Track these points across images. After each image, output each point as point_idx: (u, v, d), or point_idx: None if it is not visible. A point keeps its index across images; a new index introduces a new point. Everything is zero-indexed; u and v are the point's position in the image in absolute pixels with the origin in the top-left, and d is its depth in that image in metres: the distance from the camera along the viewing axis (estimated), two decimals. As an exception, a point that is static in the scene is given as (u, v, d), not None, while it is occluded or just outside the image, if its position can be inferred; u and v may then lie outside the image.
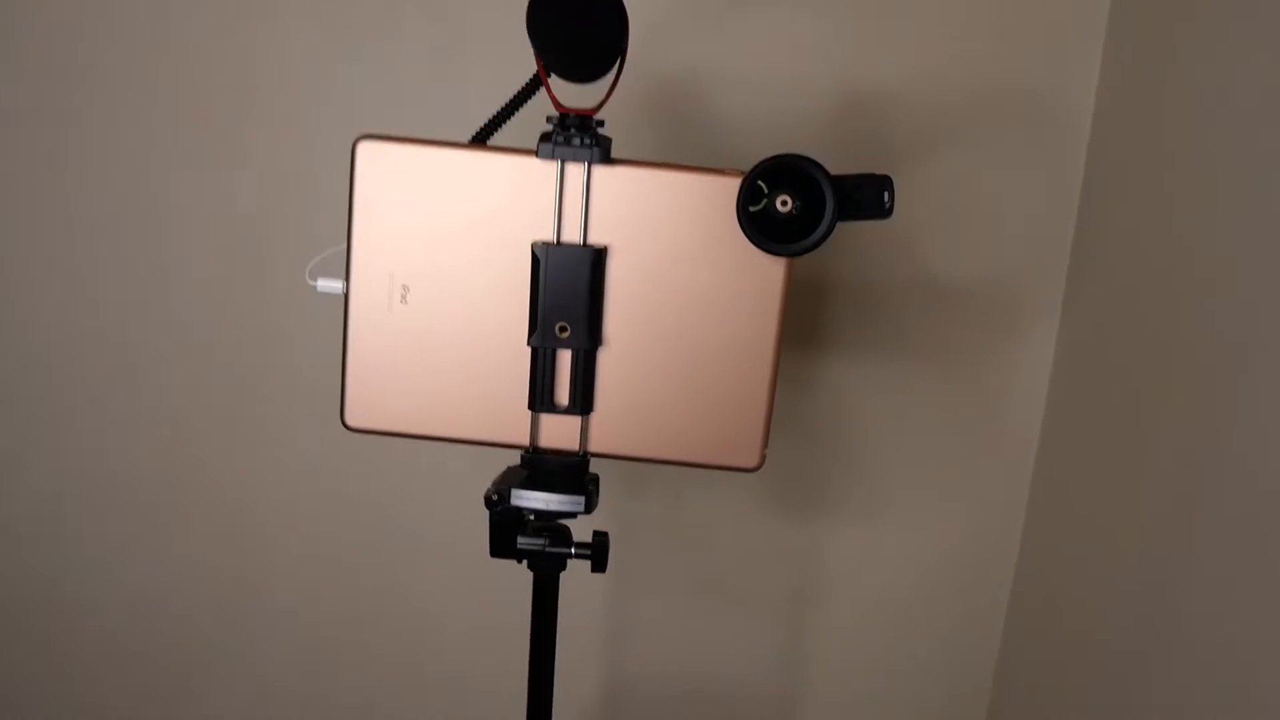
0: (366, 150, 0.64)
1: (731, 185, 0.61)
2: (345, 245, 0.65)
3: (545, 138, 0.62)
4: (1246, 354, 0.72)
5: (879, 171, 0.62)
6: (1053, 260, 1.03)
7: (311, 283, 0.67)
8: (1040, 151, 1.01)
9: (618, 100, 0.99)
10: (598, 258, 0.63)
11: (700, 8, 0.99)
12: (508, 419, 0.66)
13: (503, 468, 0.68)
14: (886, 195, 0.62)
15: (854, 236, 1.03)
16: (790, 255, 0.60)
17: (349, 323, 0.66)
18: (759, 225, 0.60)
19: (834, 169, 1.00)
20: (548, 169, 0.63)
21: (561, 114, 0.62)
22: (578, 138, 0.62)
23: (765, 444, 0.66)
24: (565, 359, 0.65)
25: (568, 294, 0.63)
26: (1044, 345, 1.05)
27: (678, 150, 1.02)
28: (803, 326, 1.06)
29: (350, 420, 0.67)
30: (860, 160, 1.01)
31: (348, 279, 0.65)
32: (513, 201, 0.63)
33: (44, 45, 1.02)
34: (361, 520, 1.12)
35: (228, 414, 1.10)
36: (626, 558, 1.12)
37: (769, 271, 0.63)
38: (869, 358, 1.06)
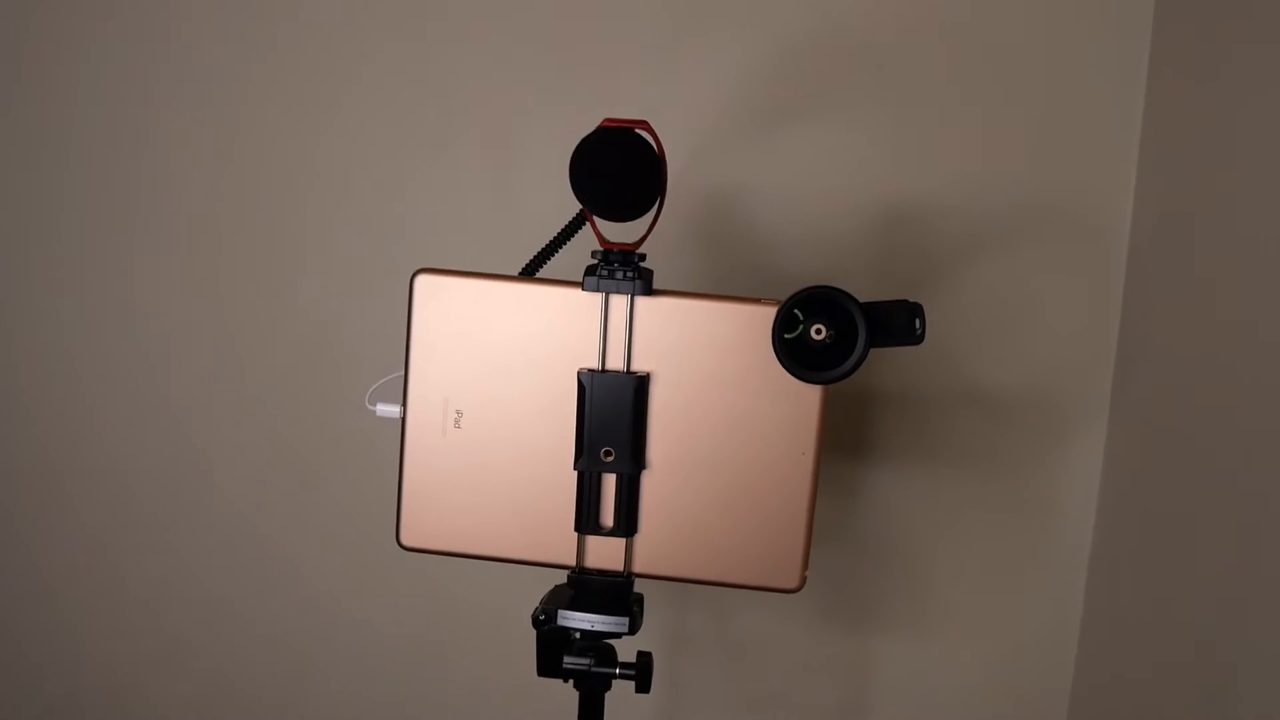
0: (424, 283, 0.68)
1: (768, 314, 0.64)
2: (403, 372, 0.69)
3: (590, 271, 0.66)
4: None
5: (912, 298, 0.65)
6: (1098, 366, 1.03)
7: (371, 408, 0.70)
8: (1081, 258, 1.02)
9: (664, 221, 1.04)
10: (640, 385, 0.66)
11: (742, 128, 1.03)
12: (555, 540, 0.68)
13: (549, 588, 0.70)
14: (918, 322, 0.64)
15: (900, 348, 1.05)
16: (822, 383, 0.63)
17: (405, 446, 0.69)
18: (794, 353, 0.63)
19: (877, 282, 1.04)
20: (593, 300, 0.66)
21: (605, 249, 0.65)
22: (620, 271, 0.65)
23: (805, 565, 0.67)
24: (610, 482, 0.67)
25: (612, 419, 0.66)
26: (1093, 451, 1.05)
27: (722, 268, 1.05)
28: (850, 437, 1.07)
29: (405, 540, 0.70)
30: (902, 271, 1.04)
31: (405, 404, 0.69)
32: (560, 331, 0.67)
33: (113, 150, 1.10)
34: (411, 647, 1.14)
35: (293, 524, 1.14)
36: (676, 673, 1.12)
37: (806, 397, 0.66)
38: (917, 468, 1.07)
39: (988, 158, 1.01)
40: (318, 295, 1.09)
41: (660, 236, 1.05)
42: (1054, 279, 1.03)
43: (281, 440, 1.12)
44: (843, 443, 1.07)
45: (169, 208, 1.10)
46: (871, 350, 0.63)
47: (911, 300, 0.65)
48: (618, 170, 0.60)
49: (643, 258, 0.66)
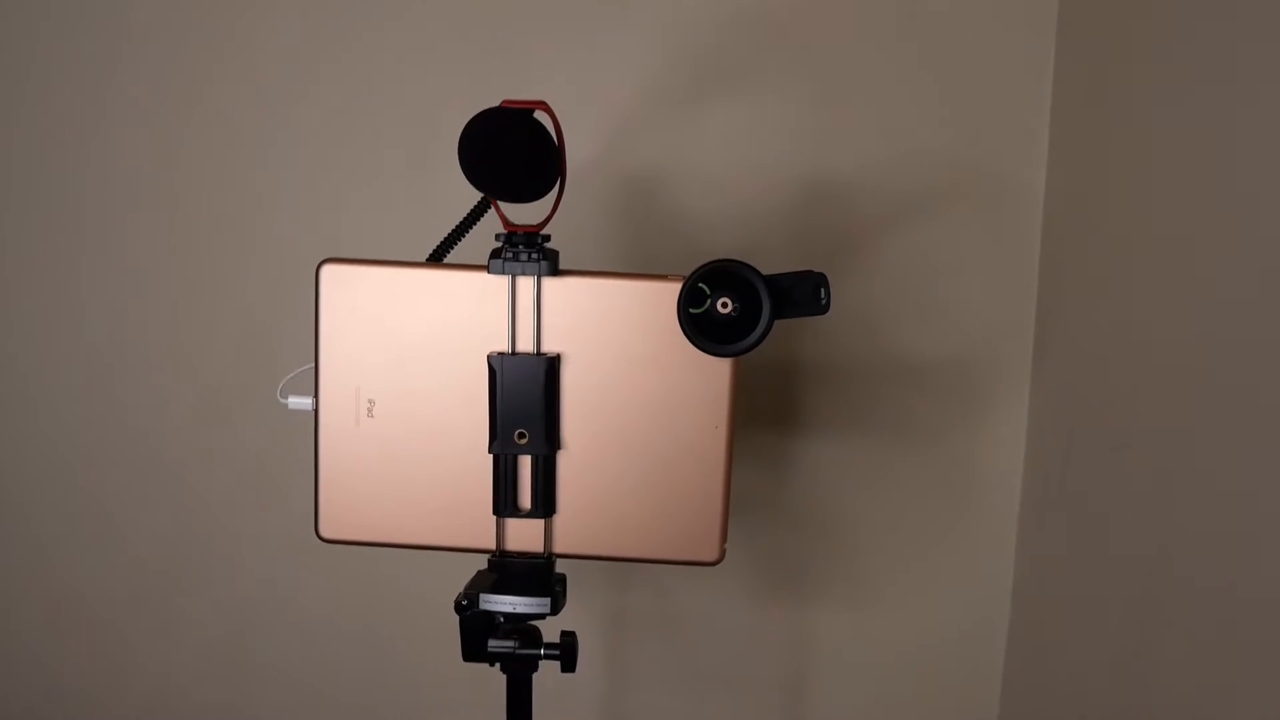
0: (330, 273, 0.67)
1: (675, 290, 0.64)
2: (313, 364, 0.68)
3: (495, 254, 0.65)
4: (1204, 421, 0.74)
5: (833, 271, 0.66)
6: (1018, 333, 1.05)
7: (283, 401, 0.69)
8: (997, 226, 1.04)
9: (586, 201, 1.04)
10: (551, 366, 0.66)
11: (664, 107, 1.04)
12: (474, 525, 0.68)
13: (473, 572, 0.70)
14: (823, 291, 0.65)
15: (823, 320, 1.06)
16: (729, 355, 0.63)
17: (319, 438, 0.69)
18: (700, 327, 0.63)
19: (798, 257, 1.04)
20: (500, 283, 0.66)
21: (509, 231, 0.65)
22: (525, 253, 0.65)
23: (724, 538, 0.68)
24: (526, 464, 0.67)
25: (524, 402, 0.66)
26: (1017, 418, 1.07)
27: (648, 248, 1.06)
28: (777, 409, 1.08)
29: (324, 532, 0.69)
30: (822, 245, 1.05)
31: (316, 396, 0.68)
32: (469, 315, 0.67)
33: (57, 151, 1.08)
34: (345, 636, 1.14)
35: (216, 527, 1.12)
36: (617, 652, 1.13)
37: (716, 371, 0.66)
38: (845, 439, 1.08)
39: (903, 131, 1.03)
40: (256, 288, 1.08)
41: (585, 219, 1.05)
42: (972, 248, 1.04)
43: (222, 433, 1.11)
44: (770, 415, 1.08)
45: (60, 202, 1.08)
46: (779, 321, 0.64)
47: (816, 270, 0.65)
48: (504, 151, 0.60)
49: (547, 238, 0.66)
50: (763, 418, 1.08)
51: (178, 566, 1.14)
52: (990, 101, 1.02)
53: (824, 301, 0.65)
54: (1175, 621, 0.77)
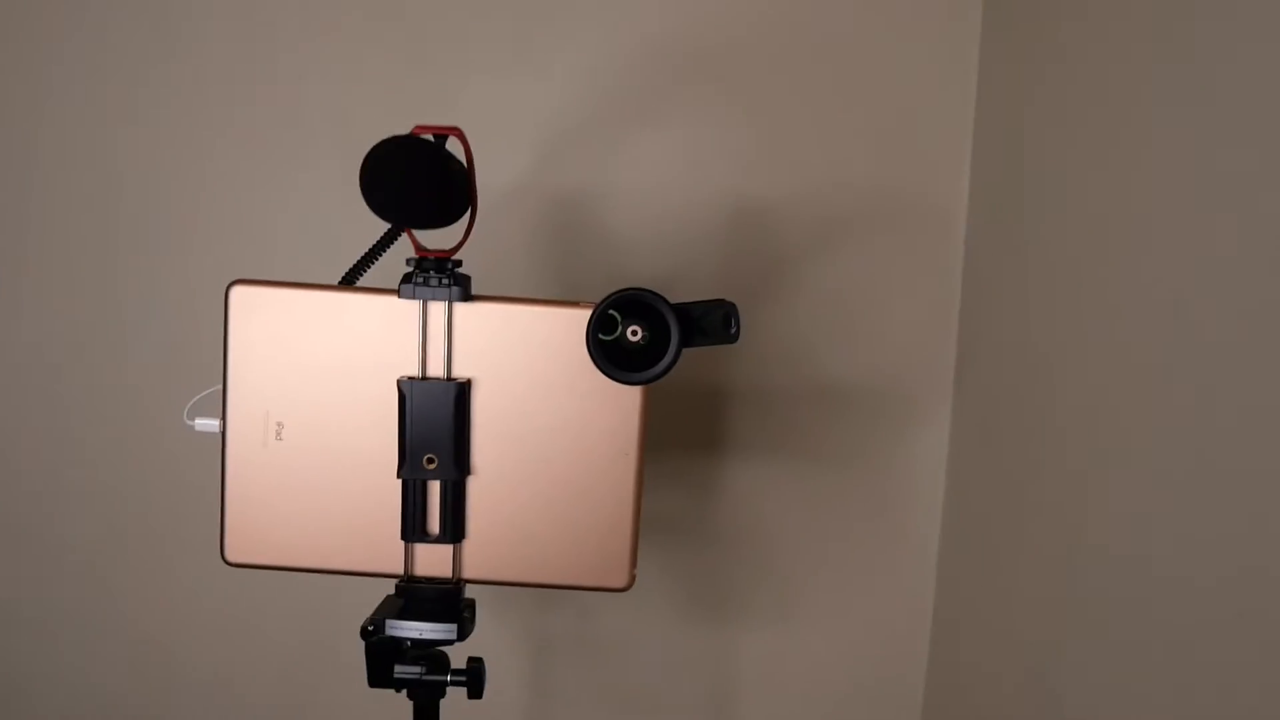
0: (239, 294, 0.66)
1: (586, 317, 0.64)
2: (221, 385, 0.67)
3: (407, 279, 0.65)
4: (1120, 446, 0.76)
5: (757, 295, 0.67)
6: (940, 358, 1.07)
7: (190, 422, 0.69)
8: (920, 251, 1.06)
9: (513, 224, 1.04)
10: (461, 391, 0.66)
11: (592, 131, 1.04)
12: (383, 550, 0.68)
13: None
14: (732, 321, 0.65)
15: (749, 344, 1.07)
16: (635, 384, 0.64)
17: (226, 460, 0.68)
18: (609, 354, 0.63)
19: (723, 280, 1.05)
20: (411, 308, 0.66)
21: (420, 256, 0.65)
22: (436, 278, 0.65)
23: (634, 564, 0.68)
24: (435, 489, 0.67)
25: (434, 427, 0.66)
26: (938, 442, 1.09)
27: (574, 271, 1.06)
28: (704, 433, 1.09)
29: (230, 556, 0.69)
30: (747, 269, 1.06)
31: (224, 418, 0.67)
32: (379, 339, 0.66)
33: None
34: (260, 650, 1.12)
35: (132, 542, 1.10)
36: (542, 676, 1.12)
37: (626, 398, 0.66)
38: (770, 462, 1.09)
39: (827, 155, 1.04)
40: (175, 303, 1.06)
41: (512, 242, 1.05)
42: (895, 273, 1.06)
43: (141, 451, 1.09)
44: (695, 437, 1.09)
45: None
46: (690, 349, 0.65)
47: (727, 300, 0.66)
48: (400, 179, 0.60)
49: (458, 264, 0.66)
50: (687, 440, 1.09)
51: (103, 571, 1.12)
52: (913, 129, 1.04)
53: (734, 331, 0.65)
54: (1088, 642, 0.78)
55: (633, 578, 0.68)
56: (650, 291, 0.63)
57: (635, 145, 1.04)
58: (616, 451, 0.67)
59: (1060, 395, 0.85)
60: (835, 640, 1.13)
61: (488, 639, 1.07)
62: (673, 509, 1.09)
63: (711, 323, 0.65)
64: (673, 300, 0.64)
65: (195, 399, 0.69)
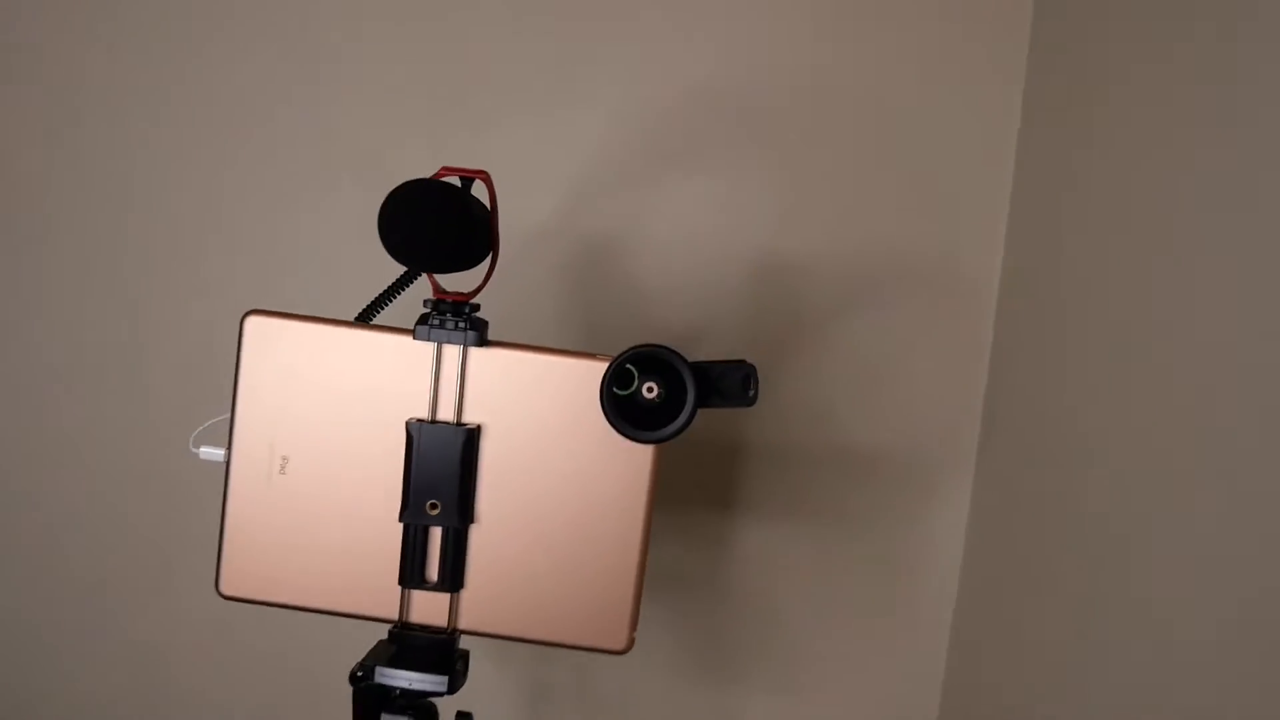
0: (254, 325, 0.66)
1: (602, 370, 0.63)
2: (229, 415, 0.66)
3: (423, 320, 0.64)
4: (1147, 524, 0.74)
5: (782, 351, 0.65)
6: (965, 424, 1.05)
7: (195, 450, 0.68)
8: (950, 315, 1.04)
9: (538, 268, 1.03)
10: (470, 437, 0.65)
11: (624, 178, 1.04)
12: (379, 593, 0.66)
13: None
14: (750, 383, 0.64)
15: (770, 400, 1.05)
16: (648, 442, 0.62)
17: (229, 491, 0.67)
18: (623, 410, 0.62)
19: (748, 334, 1.04)
20: (425, 350, 0.65)
21: (437, 298, 0.64)
22: (453, 321, 0.64)
23: (634, 626, 0.66)
24: (437, 536, 0.66)
25: (439, 472, 0.64)
26: (958, 510, 1.06)
27: (598, 318, 1.05)
28: (719, 489, 1.07)
29: (225, 589, 0.67)
30: (773, 324, 1.05)
31: (229, 448, 0.67)
32: (391, 379, 0.65)
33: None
34: (251, 681, 1.11)
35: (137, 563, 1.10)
36: (535, 724, 1.10)
37: (638, 455, 0.65)
38: (785, 522, 1.07)
39: (861, 216, 1.03)
40: (190, 328, 1.06)
41: (536, 287, 1.05)
42: (923, 339, 1.04)
43: (148, 476, 1.08)
44: (709, 493, 1.07)
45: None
46: (706, 410, 0.63)
47: (747, 361, 0.65)
48: (416, 223, 0.59)
49: (476, 308, 0.65)
50: (700, 494, 1.07)
51: (107, 592, 1.11)
52: (949, 191, 1.02)
53: (751, 394, 0.64)
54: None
55: (632, 641, 0.66)
56: (668, 349, 0.62)
57: (668, 195, 1.04)
58: (624, 508, 0.65)
59: (1084, 477, 0.82)
60: (840, 710, 1.09)
61: (484, 686, 1.05)
62: (682, 565, 1.07)
63: (729, 384, 0.64)
64: (691, 358, 0.62)
65: (202, 427, 0.68)
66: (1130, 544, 0.74)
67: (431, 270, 0.63)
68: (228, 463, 0.67)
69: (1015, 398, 0.99)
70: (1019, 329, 0.99)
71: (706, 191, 1.03)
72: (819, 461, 1.06)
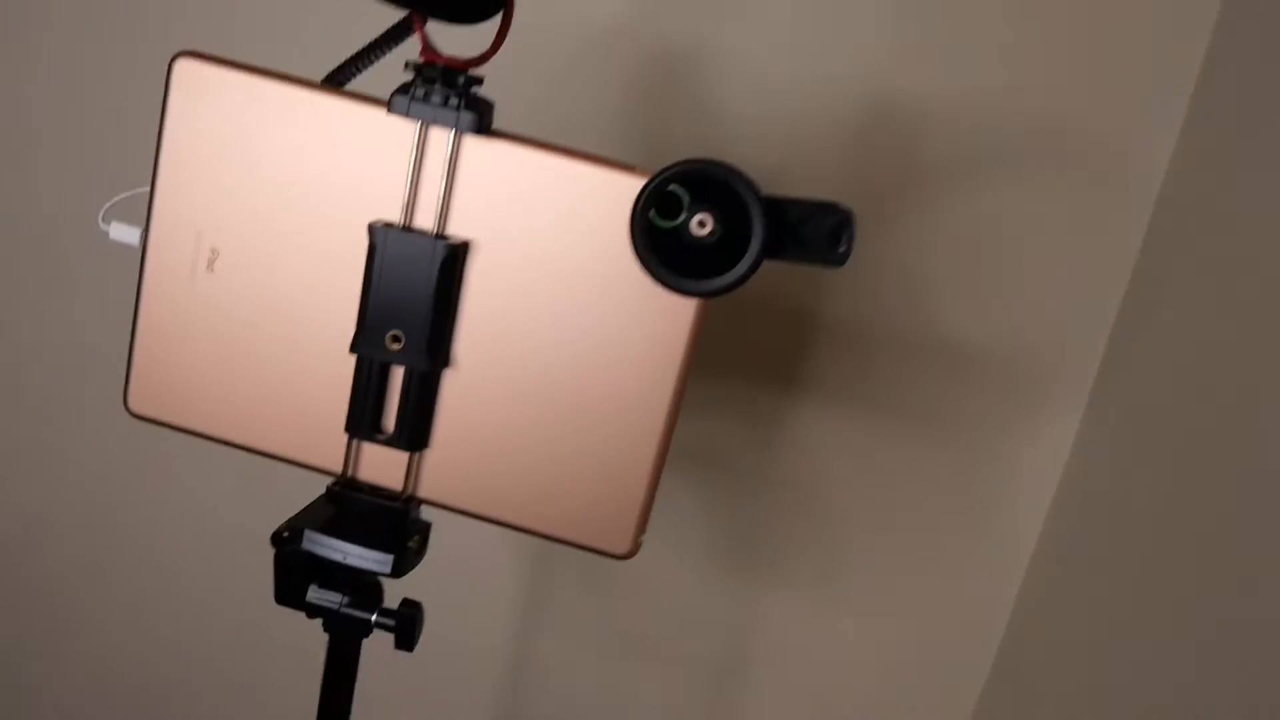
0: (186, 71, 0.49)
1: (638, 188, 0.45)
2: (149, 188, 0.51)
3: (404, 89, 0.47)
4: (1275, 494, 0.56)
5: (887, 215, 0.48)
6: (1088, 341, 0.86)
7: (104, 227, 0.53)
8: (1096, 207, 0.83)
9: (600, 75, 0.84)
10: (452, 256, 0.48)
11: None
12: (321, 438, 0.52)
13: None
14: (843, 237, 0.46)
15: (859, 269, 0.87)
16: (691, 294, 0.45)
17: (143, 283, 0.52)
18: (662, 248, 0.45)
19: (846, 186, 0.85)
20: (404, 130, 0.48)
21: (425, 61, 0.47)
22: (443, 94, 0.46)
23: (642, 528, 0.51)
24: (398, 377, 0.50)
25: (407, 295, 0.48)
26: (1062, 434, 0.88)
27: (663, 144, 0.86)
28: (780, 362, 0.90)
29: (134, 404, 0.53)
30: (878, 180, 0.85)
31: (147, 229, 0.51)
32: (358, 165, 0.49)
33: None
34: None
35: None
36: (535, 592, 0.98)
37: (675, 311, 0.48)
38: (853, 413, 0.91)
39: (1005, 58, 0.82)
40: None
41: (587, 98, 0.86)
42: (1057, 223, 0.84)
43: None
44: (768, 365, 0.90)
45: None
46: (775, 262, 0.46)
47: (842, 205, 0.47)
48: None
49: (477, 82, 0.48)
50: (754, 365, 0.90)
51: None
52: (1121, 59, 0.80)
53: (842, 250, 0.46)
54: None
55: (637, 545, 0.51)
56: (731, 168, 0.44)
57: (765, 5, 0.83)
58: (648, 376, 0.49)
59: (1227, 434, 0.64)
60: (885, 628, 0.95)
61: (483, 541, 0.92)
62: (725, 443, 0.92)
63: (813, 232, 0.46)
64: (765, 191, 0.44)
65: (116, 199, 0.53)
66: (1272, 517, 0.56)
67: (426, 10, 0.45)
68: (144, 247, 0.51)
69: (1156, 321, 0.79)
70: (1178, 240, 0.78)
71: (813, 11, 0.82)
72: (906, 349, 0.88)
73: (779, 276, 0.45)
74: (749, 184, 0.44)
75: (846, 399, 0.91)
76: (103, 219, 0.52)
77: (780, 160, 0.85)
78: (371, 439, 0.51)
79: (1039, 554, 0.90)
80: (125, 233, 0.52)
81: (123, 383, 0.53)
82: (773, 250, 0.45)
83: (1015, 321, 0.86)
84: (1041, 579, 0.89)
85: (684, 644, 0.98)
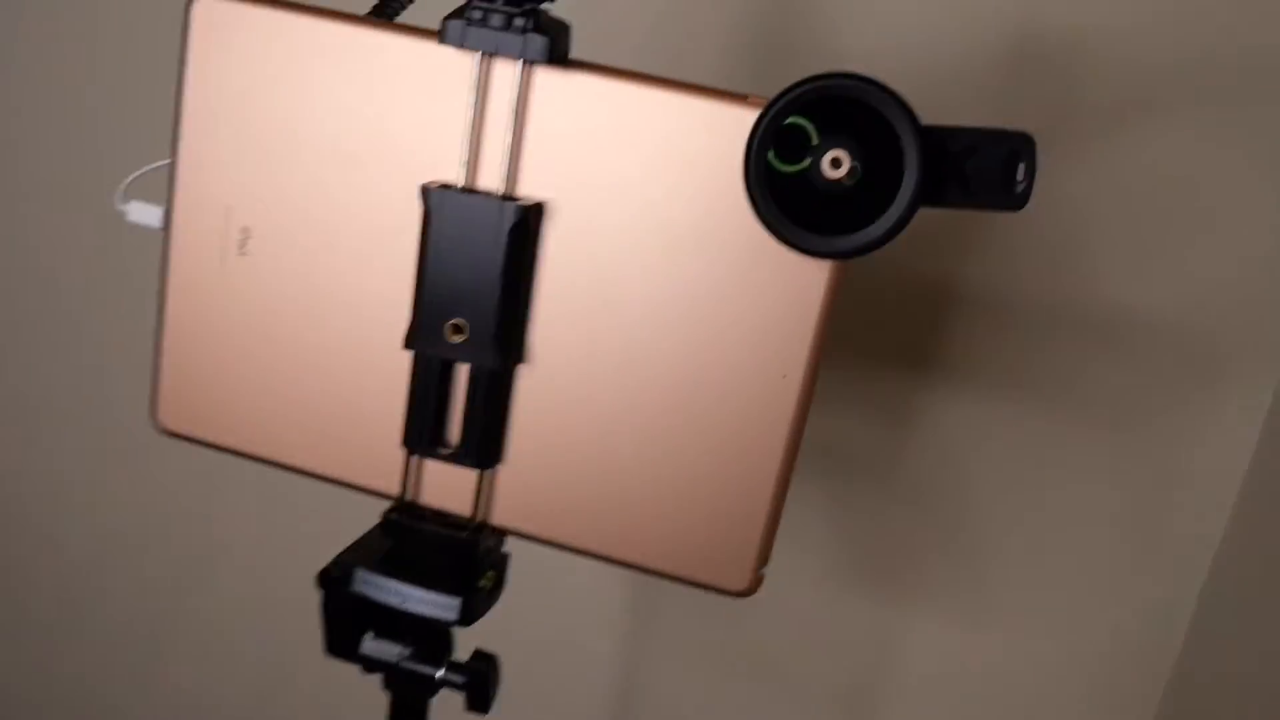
0: (206, 11, 0.41)
1: (752, 122, 0.35)
2: (170, 160, 0.43)
3: (458, 13, 0.38)
4: None
5: (1020, 129, 0.36)
6: (1277, 308, 0.72)
7: (121, 208, 0.45)
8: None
9: (708, 13, 0.74)
10: (523, 220, 0.38)
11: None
12: (375, 454, 0.43)
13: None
14: (1020, 169, 0.35)
15: (1003, 229, 0.75)
16: (824, 254, 0.35)
17: (168, 276, 0.44)
18: (785, 195, 0.35)
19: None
20: (461, 65, 0.38)
21: (483, -25, 0.37)
22: (505, 18, 0.37)
23: (764, 558, 0.41)
24: (463, 376, 0.41)
25: (470, 274, 0.39)
26: (1250, 416, 0.75)
27: (778, 76, 0.75)
28: (908, 342, 0.79)
29: (165, 420, 0.45)
30: (1029, 120, 0.73)
31: (169, 209, 0.43)
32: (411, 113, 0.40)
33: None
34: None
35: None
36: (647, 620, 0.88)
37: (804, 279, 0.38)
38: (999, 399, 0.79)
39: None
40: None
41: (688, 20, 0.76)
42: (1252, 175, 0.70)
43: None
44: (897, 347, 0.79)
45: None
46: (934, 209, 0.35)
47: (1017, 131, 0.36)
48: None
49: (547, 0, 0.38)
50: (882, 349, 0.79)
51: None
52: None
53: (1020, 188, 0.35)
54: None
55: (758, 580, 0.41)
56: (877, 84, 0.33)
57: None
58: (769, 368, 0.39)
59: None
60: (1040, 648, 0.83)
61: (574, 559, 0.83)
62: (849, 441, 0.81)
63: (984, 166, 0.35)
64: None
65: (134, 175, 0.45)
66: None
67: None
68: (167, 230, 0.43)
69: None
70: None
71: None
72: (1062, 323, 0.76)
73: (908, 234, 0.35)
74: (901, 105, 0.33)
75: (989, 383, 0.79)
76: (120, 198, 0.44)
77: (917, 99, 0.73)
78: (433, 454, 0.41)
79: (1221, 559, 0.77)
80: (146, 213, 0.44)
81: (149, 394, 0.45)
82: (931, 193, 0.34)
83: (1192, 287, 0.73)
84: (1226, 587, 0.76)
85: (798, 662, 0.87)
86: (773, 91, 0.35)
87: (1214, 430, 0.76)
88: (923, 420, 0.80)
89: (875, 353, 0.79)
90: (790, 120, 0.34)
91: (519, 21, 0.36)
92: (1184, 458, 0.77)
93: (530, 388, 0.41)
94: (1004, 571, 0.82)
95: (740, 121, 0.36)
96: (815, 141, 0.35)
